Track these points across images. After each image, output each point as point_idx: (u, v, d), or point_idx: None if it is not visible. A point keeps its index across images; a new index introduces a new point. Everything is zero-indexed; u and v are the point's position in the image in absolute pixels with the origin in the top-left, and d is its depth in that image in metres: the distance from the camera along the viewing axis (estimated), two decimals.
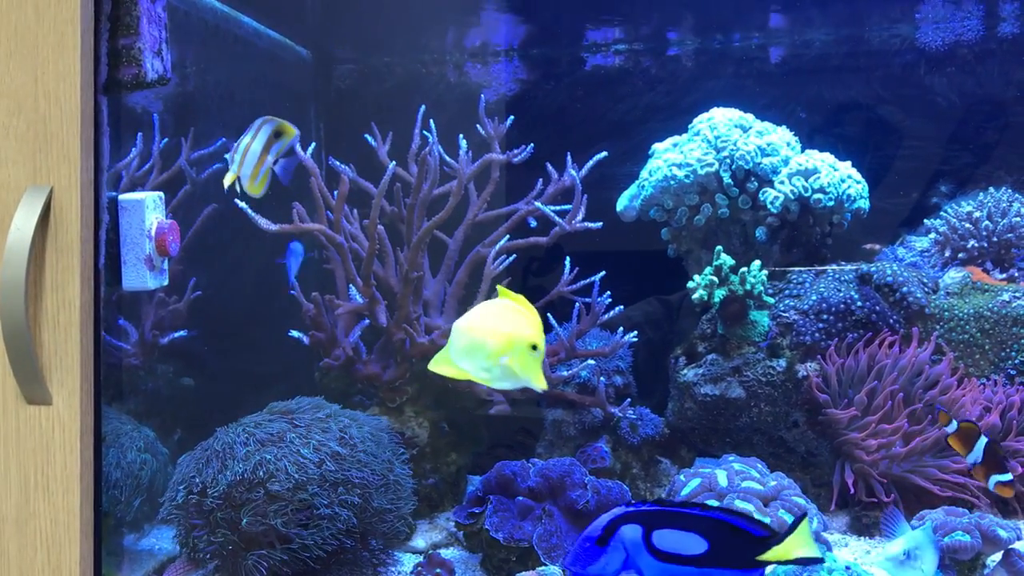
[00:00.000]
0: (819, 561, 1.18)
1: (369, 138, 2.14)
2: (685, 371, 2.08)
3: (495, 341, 1.13)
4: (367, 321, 2.00)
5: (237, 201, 1.76)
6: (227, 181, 1.44)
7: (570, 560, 1.19)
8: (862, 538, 1.87)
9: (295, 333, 1.95)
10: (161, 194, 1.44)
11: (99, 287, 1.29)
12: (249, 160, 1.43)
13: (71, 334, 1.25)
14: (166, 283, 1.46)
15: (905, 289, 2.07)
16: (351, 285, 2.00)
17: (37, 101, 1.25)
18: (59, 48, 1.25)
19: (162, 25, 1.41)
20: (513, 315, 1.15)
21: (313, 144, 1.96)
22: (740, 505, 1.64)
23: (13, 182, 1.25)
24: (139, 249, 1.38)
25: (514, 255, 2.04)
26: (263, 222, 1.81)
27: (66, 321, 1.25)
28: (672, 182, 2.22)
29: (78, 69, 1.25)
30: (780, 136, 2.27)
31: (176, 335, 2.00)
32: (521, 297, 1.18)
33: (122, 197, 1.38)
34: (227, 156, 1.46)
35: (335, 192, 1.94)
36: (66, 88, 1.25)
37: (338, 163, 1.97)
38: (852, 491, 1.89)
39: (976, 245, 2.16)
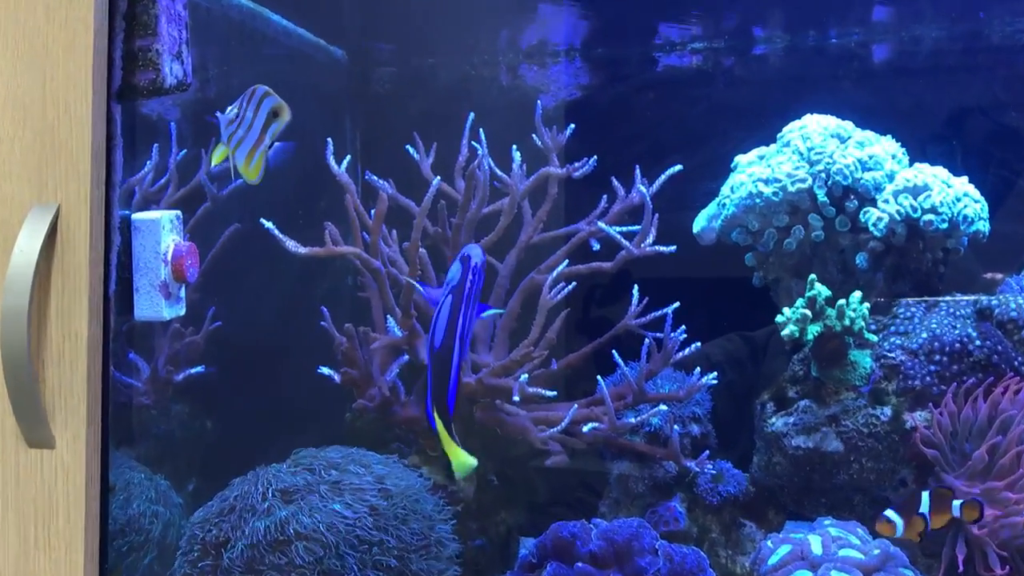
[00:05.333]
0: None
1: (411, 150, 2.17)
2: (773, 419, 2.06)
3: None
4: (406, 357, 2.01)
5: (263, 221, 1.79)
6: (217, 158, 1.43)
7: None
8: None
9: (325, 370, 1.96)
10: (178, 213, 1.47)
11: (108, 317, 1.31)
12: (248, 138, 1.39)
13: (77, 369, 1.27)
14: (183, 313, 1.48)
15: None
16: (389, 316, 2.01)
17: (45, 109, 1.28)
18: (69, 50, 1.27)
19: (183, 24, 1.44)
20: None
21: (348, 156, 1.99)
22: None
23: (17, 199, 1.28)
24: (153, 275, 1.40)
25: (574, 283, 2.04)
26: (291, 244, 1.84)
27: (72, 355, 1.27)
28: (758, 200, 2.21)
29: (90, 73, 1.27)
30: (884, 148, 2.24)
31: (193, 371, 2.03)
32: None
33: (135, 216, 1.41)
34: (218, 118, 1.41)
35: (372, 211, 1.96)
36: (76, 95, 1.27)
37: (376, 178, 2.00)
38: (961, 568, 1.84)
39: None
